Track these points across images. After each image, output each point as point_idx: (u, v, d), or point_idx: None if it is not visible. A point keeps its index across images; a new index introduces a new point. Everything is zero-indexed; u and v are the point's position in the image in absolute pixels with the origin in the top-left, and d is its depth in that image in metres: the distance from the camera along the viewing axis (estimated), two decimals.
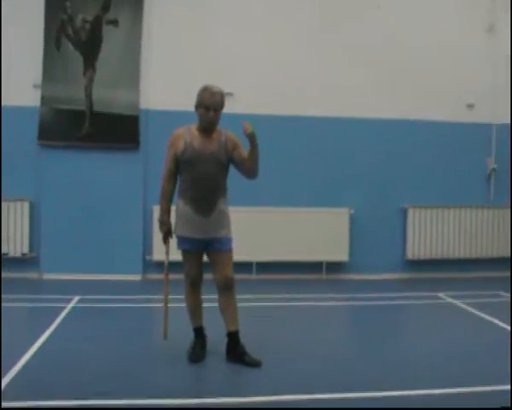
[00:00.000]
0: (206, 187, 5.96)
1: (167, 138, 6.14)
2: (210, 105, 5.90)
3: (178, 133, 6.08)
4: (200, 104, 5.96)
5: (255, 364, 6.01)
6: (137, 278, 10.39)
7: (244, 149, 6.04)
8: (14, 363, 5.84)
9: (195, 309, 6.33)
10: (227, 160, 6.04)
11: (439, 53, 11.02)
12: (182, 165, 6.03)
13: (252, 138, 5.85)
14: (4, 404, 4.77)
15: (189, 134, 6.02)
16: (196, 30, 10.52)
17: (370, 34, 10.85)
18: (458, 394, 5.40)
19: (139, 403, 5.05)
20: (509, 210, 11.25)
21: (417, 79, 10.98)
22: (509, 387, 5.42)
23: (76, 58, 10.23)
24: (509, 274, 10.86)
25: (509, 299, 9.29)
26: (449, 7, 11.15)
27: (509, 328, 7.56)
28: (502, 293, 9.71)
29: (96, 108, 10.24)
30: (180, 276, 6.25)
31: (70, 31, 10.21)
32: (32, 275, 10.25)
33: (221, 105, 5.97)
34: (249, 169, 6.07)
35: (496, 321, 7.91)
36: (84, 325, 7.51)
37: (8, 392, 5.06)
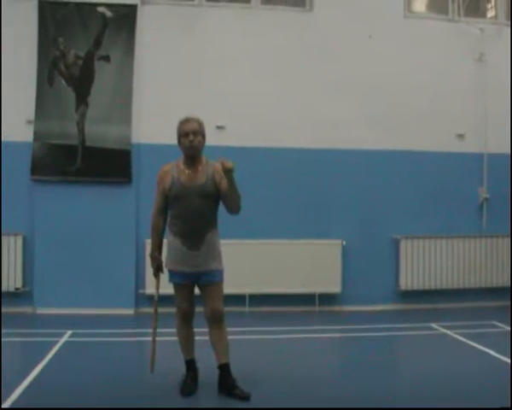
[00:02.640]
0: (194, 221, 5.99)
1: (157, 173, 6.19)
2: (188, 130, 5.99)
3: (165, 169, 6.14)
4: (179, 135, 6.07)
5: (245, 397, 5.99)
6: (130, 312, 10.37)
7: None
8: (7, 396, 5.84)
9: (187, 342, 6.34)
10: (215, 191, 6.06)
11: (428, 83, 11.09)
12: (170, 200, 6.07)
13: (230, 175, 5.82)
14: None
15: (176, 169, 6.08)
16: (187, 65, 10.61)
17: (359, 66, 10.93)
18: None
19: None
20: (502, 239, 11.26)
21: (407, 109, 11.04)
22: None
23: (68, 94, 10.29)
24: (502, 304, 10.90)
25: (504, 329, 9.30)
26: (439, 37, 11.25)
27: (504, 358, 7.54)
28: (496, 323, 9.69)
29: (89, 142, 10.29)
30: (172, 309, 6.27)
31: (62, 66, 10.28)
32: (26, 309, 10.22)
33: (199, 130, 6.05)
34: (229, 204, 6.06)
35: (490, 352, 7.89)
36: (77, 360, 7.51)
37: None
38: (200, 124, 6.10)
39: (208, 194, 6.03)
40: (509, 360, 7.36)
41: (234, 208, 6.07)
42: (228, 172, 5.79)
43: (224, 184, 6.00)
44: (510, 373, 5.62)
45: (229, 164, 5.74)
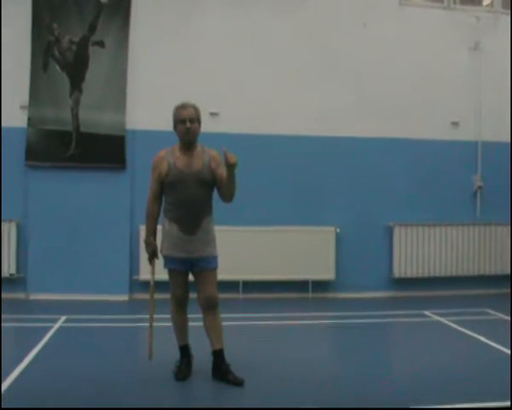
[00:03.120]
0: (191, 207, 5.99)
1: (153, 159, 6.18)
2: (185, 117, 5.99)
3: (161, 155, 6.13)
4: (176, 121, 6.06)
5: (238, 383, 6.02)
6: (124, 298, 10.38)
7: (225, 170, 6.01)
8: (2, 381, 5.84)
9: (181, 328, 6.35)
10: (211, 178, 6.07)
11: (423, 71, 11.12)
12: (166, 186, 6.07)
13: (233, 169, 5.84)
14: None
15: (171, 155, 6.07)
16: (182, 51, 10.60)
17: (354, 53, 10.95)
18: None
19: None
20: (496, 228, 11.29)
21: (402, 96, 11.06)
22: (496, 404, 5.48)
23: (63, 79, 10.27)
24: (495, 292, 11.03)
25: (496, 317, 9.35)
26: (434, 25, 11.27)
27: (495, 345, 7.58)
28: (488, 311, 9.73)
29: (83, 128, 10.28)
30: (166, 295, 6.28)
31: (57, 52, 10.25)
32: (19, 295, 10.23)
33: (196, 117, 6.05)
34: (225, 194, 6.09)
35: (482, 339, 7.92)
36: (71, 345, 7.53)
37: None
38: (197, 110, 6.09)
39: (204, 180, 6.03)
40: (504, 349, 7.41)
41: (228, 198, 6.10)
42: (231, 167, 5.79)
43: (220, 171, 6.02)
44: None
45: (233, 159, 5.74)
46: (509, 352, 7.18)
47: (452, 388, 6.09)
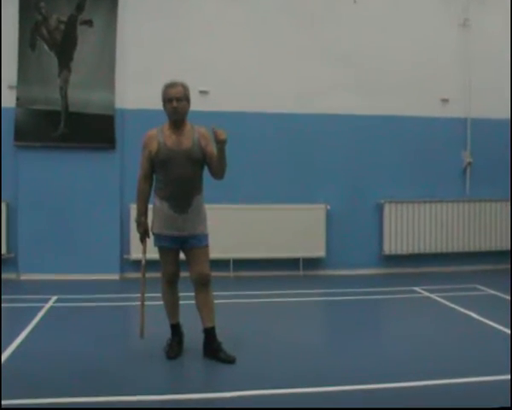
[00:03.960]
0: (181, 185, 6.00)
1: (143, 138, 6.18)
2: (172, 96, 5.98)
3: (151, 134, 6.12)
4: (164, 99, 6.06)
5: (229, 360, 6.05)
6: (115, 277, 10.40)
7: (215, 147, 6.05)
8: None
9: (172, 306, 6.37)
10: (201, 156, 6.08)
11: (413, 48, 11.10)
12: (157, 165, 6.07)
13: (223, 145, 5.86)
14: None
15: (161, 134, 6.07)
16: (171, 29, 10.53)
17: (344, 30, 10.93)
18: (435, 386, 5.46)
19: (117, 400, 5.10)
20: (485, 204, 11.34)
21: (392, 74, 11.04)
22: (487, 378, 5.53)
23: (51, 59, 10.21)
24: (485, 268, 11.11)
25: (486, 293, 9.42)
26: (423, 2, 11.24)
27: (485, 320, 7.64)
28: (478, 286, 9.80)
29: (72, 108, 10.24)
30: (158, 274, 6.30)
31: (45, 31, 10.19)
32: (10, 276, 10.22)
33: (184, 95, 6.04)
34: (215, 171, 6.11)
35: (472, 314, 7.97)
36: (62, 325, 7.54)
37: None
38: (185, 88, 6.08)
39: (194, 158, 6.04)
40: (491, 323, 7.49)
41: (219, 175, 6.11)
42: (220, 143, 5.81)
43: (209, 148, 6.05)
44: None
45: (223, 135, 5.76)
46: (503, 328, 7.25)
47: (444, 363, 6.13)
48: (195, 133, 6.09)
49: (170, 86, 6.05)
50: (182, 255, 6.23)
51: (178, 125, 6.07)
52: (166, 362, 6.11)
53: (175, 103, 5.98)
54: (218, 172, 6.09)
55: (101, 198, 10.37)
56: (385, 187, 11.11)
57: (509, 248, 11.21)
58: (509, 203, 11.32)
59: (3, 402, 4.88)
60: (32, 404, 4.94)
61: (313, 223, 10.77)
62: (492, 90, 11.19)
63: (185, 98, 6.06)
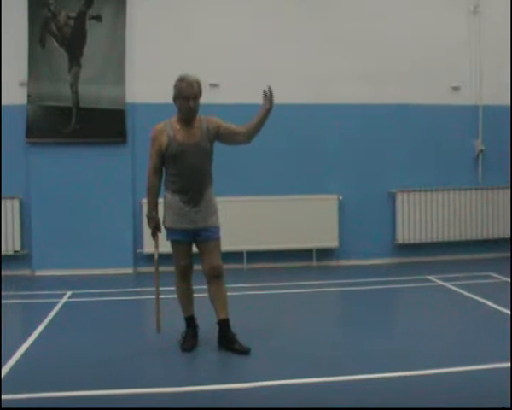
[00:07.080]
0: (193, 178, 6.01)
1: (152, 132, 6.18)
2: (189, 95, 5.96)
3: (160, 128, 6.11)
4: (178, 95, 6.02)
5: (244, 351, 6.06)
6: (129, 271, 10.43)
7: (229, 123, 6.16)
8: (9, 357, 5.90)
9: (186, 299, 6.39)
10: (211, 147, 6.11)
11: (423, 36, 11.03)
12: (167, 159, 6.07)
13: (268, 113, 6.07)
14: (2, 397, 4.82)
15: (170, 128, 6.06)
16: (180, 22, 10.53)
17: (355, 20, 10.88)
18: (451, 373, 5.46)
19: (133, 392, 5.12)
20: (498, 191, 11.29)
21: (402, 62, 10.99)
22: (504, 365, 5.51)
23: (61, 55, 10.23)
24: (498, 255, 11.04)
25: (500, 280, 9.39)
26: None
27: (500, 308, 7.62)
28: (492, 274, 9.76)
29: (83, 103, 10.26)
30: (171, 268, 6.30)
31: (54, 28, 10.22)
32: (24, 272, 10.28)
33: (199, 93, 6.04)
34: (250, 133, 6.15)
35: (487, 302, 7.95)
36: (78, 320, 7.57)
37: (4, 385, 5.09)
38: (199, 85, 6.05)
39: (205, 150, 6.06)
40: (508, 311, 7.44)
41: (251, 135, 6.19)
42: (267, 111, 6.04)
43: (223, 125, 6.14)
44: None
45: (270, 104, 6.04)
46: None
47: (460, 350, 6.14)
48: (203, 123, 6.10)
49: (185, 84, 5.98)
50: (194, 248, 6.24)
51: (190, 121, 6.08)
52: (182, 355, 6.13)
53: (192, 103, 5.97)
54: (252, 134, 6.15)
55: (114, 193, 10.39)
56: (397, 176, 11.08)
57: None
58: None
59: (21, 396, 4.92)
60: (50, 397, 4.97)
61: (326, 213, 10.75)
62: (503, 77, 11.13)
63: (200, 95, 6.06)
